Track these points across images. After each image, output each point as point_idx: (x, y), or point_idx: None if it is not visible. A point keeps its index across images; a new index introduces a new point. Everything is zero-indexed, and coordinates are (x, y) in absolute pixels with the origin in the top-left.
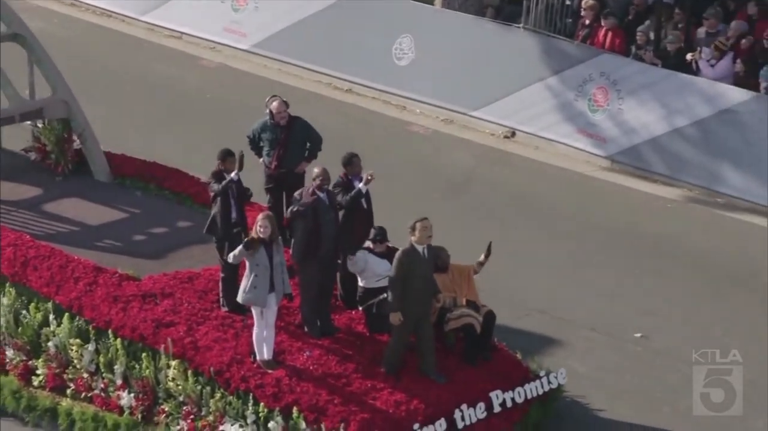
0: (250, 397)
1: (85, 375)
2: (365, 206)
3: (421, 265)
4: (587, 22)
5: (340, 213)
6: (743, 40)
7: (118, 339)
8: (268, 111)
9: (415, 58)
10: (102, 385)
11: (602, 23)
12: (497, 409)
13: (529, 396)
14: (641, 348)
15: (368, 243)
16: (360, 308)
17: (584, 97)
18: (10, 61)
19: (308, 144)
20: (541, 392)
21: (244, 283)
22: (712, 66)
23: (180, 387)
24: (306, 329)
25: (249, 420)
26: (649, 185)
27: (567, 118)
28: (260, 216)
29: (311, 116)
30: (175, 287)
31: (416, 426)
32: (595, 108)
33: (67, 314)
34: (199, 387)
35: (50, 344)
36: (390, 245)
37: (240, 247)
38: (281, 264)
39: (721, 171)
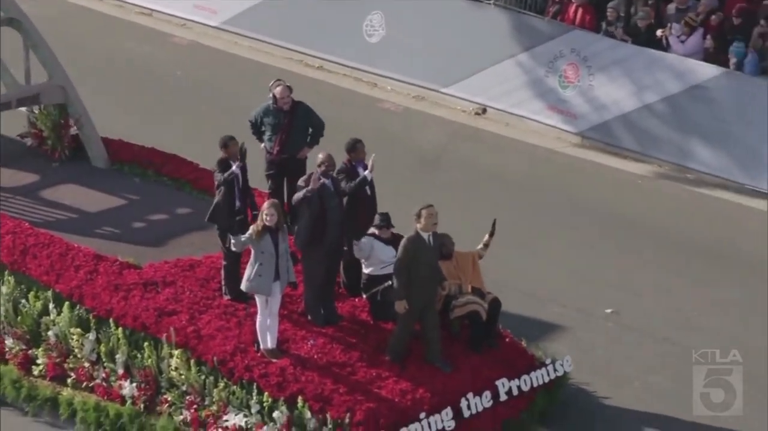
0: (254, 387)
1: (86, 365)
2: (369, 192)
3: (426, 252)
4: None
5: (344, 200)
6: (713, 16)
7: (120, 328)
8: (271, 95)
9: (385, 35)
10: (103, 375)
11: (572, 0)
12: (503, 397)
13: (535, 384)
14: (612, 324)
15: (372, 230)
16: (364, 296)
17: (555, 74)
18: (5, 46)
19: (310, 130)
20: (546, 380)
21: (249, 271)
22: (683, 42)
23: (183, 377)
24: (309, 317)
25: (253, 410)
26: (619, 161)
27: (538, 94)
28: (266, 204)
29: None
30: (176, 275)
31: (422, 415)
32: (565, 84)
33: (67, 302)
34: (202, 377)
35: (50, 333)
36: (395, 231)
37: (245, 235)
38: (286, 252)
39: (690, 147)
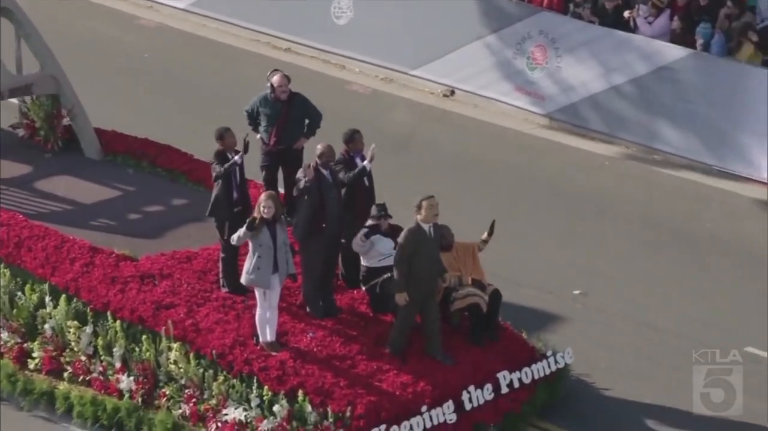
0: (254, 380)
1: (83, 358)
2: (367, 183)
3: (427, 244)
4: None
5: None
6: None
7: (117, 321)
8: (269, 85)
9: (353, 16)
10: (101, 368)
11: None
12: (505, 390)
13: (536, 376)
14: (580, 305)
15: (370, 221)
16: (363, 288)
17: (523, 56)
18: None
19: (307, 120)
20: (547, 372)
21: (248, 264)
22: (650, 23)
23: (182, 370)
24: (308, 309)
25: (253, 404)
26: (586, 142)
27: (506, 76)
28: (263, 196)
29: (250, 77)
30: (173, 267)
31: (424, 408)
32: (533, 66)
33: (63, 295)
34: (201, 370)
35: (47, 326)
36: (394, 223)
37: (243, 228)
38: (285, 244)
39: (658, 128)
